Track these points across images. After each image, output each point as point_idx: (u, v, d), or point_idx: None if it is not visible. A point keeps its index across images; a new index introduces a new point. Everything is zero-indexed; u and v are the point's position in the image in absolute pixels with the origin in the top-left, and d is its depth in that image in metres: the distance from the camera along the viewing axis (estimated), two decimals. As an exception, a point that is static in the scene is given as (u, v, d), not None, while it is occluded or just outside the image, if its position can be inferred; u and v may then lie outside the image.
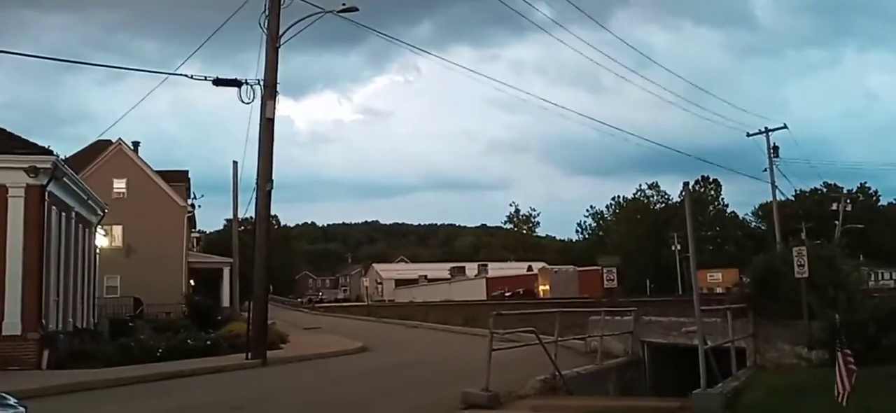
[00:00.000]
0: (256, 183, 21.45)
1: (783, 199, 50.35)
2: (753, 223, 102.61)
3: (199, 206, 50.79)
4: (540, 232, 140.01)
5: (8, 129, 20.72)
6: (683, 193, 55.87)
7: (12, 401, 5.98)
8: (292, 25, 21.24)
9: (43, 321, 19.64)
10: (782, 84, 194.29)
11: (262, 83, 21.07)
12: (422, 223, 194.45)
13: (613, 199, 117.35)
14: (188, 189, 47.80)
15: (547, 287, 78.22)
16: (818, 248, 18.53)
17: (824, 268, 16.60)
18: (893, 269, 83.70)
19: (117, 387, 15.98)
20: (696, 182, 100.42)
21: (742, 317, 16.39)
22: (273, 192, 21.47)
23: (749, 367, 15.64)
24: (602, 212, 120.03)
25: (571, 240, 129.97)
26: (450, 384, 13.87)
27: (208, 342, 23.14)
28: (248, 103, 20.85)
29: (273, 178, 21.44)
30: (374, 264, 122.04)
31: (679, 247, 69.73)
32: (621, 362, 18.72)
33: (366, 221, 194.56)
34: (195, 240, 56.83)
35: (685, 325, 16.13)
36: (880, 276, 76.02)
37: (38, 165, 19.59)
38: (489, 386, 12.08)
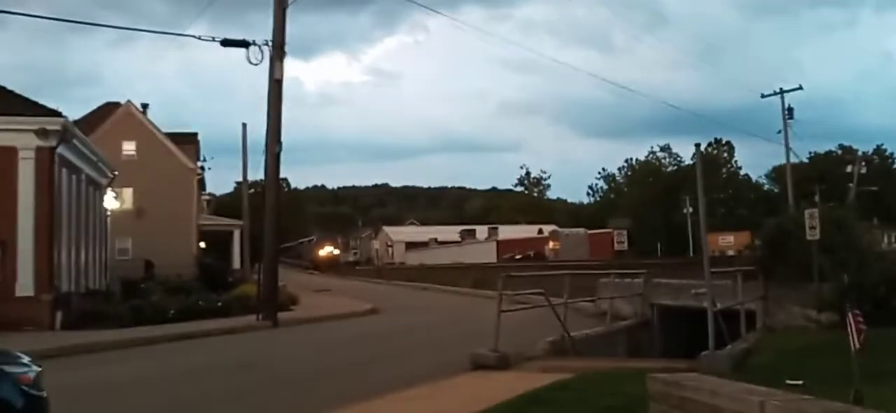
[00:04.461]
0: (266, 145, 21.43)
1: (797, 161, 49.98)
2: (766, 186, 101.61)
3: (209, 169, 50.97)
4: (551, 195, 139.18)
5: (17, 91, 20.74)
6: (695, 155, 55.41)
7: (26, 360, 6.00)
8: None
9: (55, 283, 19.82)
10: (797, 44, 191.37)
11: (270, 44, 20.96)
12: (432, 186, 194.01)
13: (625, 161, 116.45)
14: (197, 151, 47.83)
15: (557, 249, 78.17)
16: (830, 211, 18.41)
17: (836, 230, 16.48)
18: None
19: (130, 347, 16.16)
20: (709, 144, 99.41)
21: (752, 279, 16.35)
22: (282, 154, 21.45)
23: (758, 329, 15.64)
24: (613, 174, 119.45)
25: (582, 203, 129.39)
26: (459, 346, 13.92)
27: (219, 304, 23.34)
28: (256, 64, 20.79)
29: (281, 139, 21.41)
30: (384, 227, 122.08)
31: (691, 209, 69.36)
32: (631, 324, 18.78)
33: (376, 184, 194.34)
34: (205, 202, 57.01)
35: (695, 288, 16.09)
36: (894, 238, 75.43)
37: (48, 127, 19.63)
38: (498, 347, 12.13)
